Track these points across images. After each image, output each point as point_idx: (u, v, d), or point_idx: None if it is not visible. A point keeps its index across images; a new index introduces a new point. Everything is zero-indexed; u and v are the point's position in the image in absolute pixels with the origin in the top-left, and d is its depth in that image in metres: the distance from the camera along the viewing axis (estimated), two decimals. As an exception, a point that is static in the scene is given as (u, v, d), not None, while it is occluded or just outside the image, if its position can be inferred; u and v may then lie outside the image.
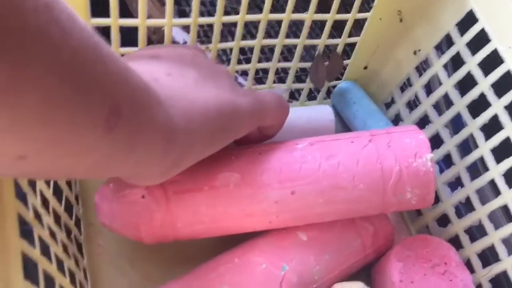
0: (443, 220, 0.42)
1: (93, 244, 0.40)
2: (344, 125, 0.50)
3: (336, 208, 0.36)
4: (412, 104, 0.47)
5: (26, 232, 0.23)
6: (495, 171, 0.38)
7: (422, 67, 0.46)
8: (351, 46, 0.48)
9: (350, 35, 0.46)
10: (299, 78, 0.52)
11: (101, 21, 0.37)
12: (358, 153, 0.36)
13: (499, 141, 0.38)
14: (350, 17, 0.44)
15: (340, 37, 0.46)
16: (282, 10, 0.42)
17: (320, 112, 0.46)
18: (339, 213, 0.37)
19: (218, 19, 0.40)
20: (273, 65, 0.46)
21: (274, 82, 0.47)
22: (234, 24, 0.41)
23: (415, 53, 0.45)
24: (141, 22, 0.37)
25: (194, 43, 0.41)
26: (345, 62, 0.49)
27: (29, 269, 0.22)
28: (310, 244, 0.37)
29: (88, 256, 0.38)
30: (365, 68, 0.50)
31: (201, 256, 0.38)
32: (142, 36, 0.38)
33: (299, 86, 0.49)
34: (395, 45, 0.47)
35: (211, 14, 0.41)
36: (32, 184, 0.27)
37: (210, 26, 0.42)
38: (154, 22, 0.39)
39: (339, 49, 0.47)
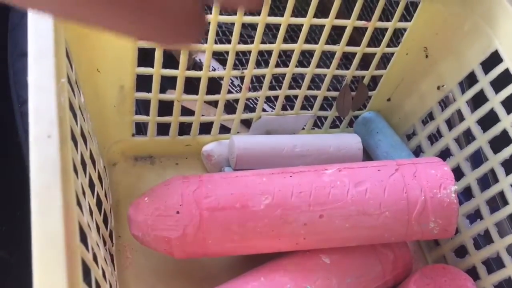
0: (461, 251, 0.44)
1: (121, 256, 0.41)
2: (366, 153, 0.51)
3: (361, 233, 0.38)
4: (433, 137, 0.49)
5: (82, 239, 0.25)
6: (515, 206, 0.39)
7: (443, 102, 0.48)
8: (377, 77, 0.50)
9: (376, 67, 0.48)
10: (322, 106, 0.54)
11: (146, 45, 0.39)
12: (385, 181, 0.38)
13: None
14: (378, 51, 0.46)
15: (367, 69, 0.48)
16: (312, 40, 0.44)
17: (349, 141, 0.47)
18: (363, 239, 0.38)
19: (255, 47, 0.42)
20: (302, 92, 0.48)
21: (300, 109, 0.49)
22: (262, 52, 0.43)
23: (438, 88, 0.47)
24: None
25: (230, 68, 0.43)
26: (370, 93, 0.50)
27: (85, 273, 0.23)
28: (333, 267, 0.39)
29: (117, 268, 0.40)
30: (389, 100, 0.51)
31: (228, 274, 0.39)
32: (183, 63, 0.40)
33: (324, 114, 0.51)
34: (419, 80, 0.49)
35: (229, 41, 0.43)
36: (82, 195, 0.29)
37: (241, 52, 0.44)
38: (195, 47, 0.41)
39: (366, 80, 0.49)
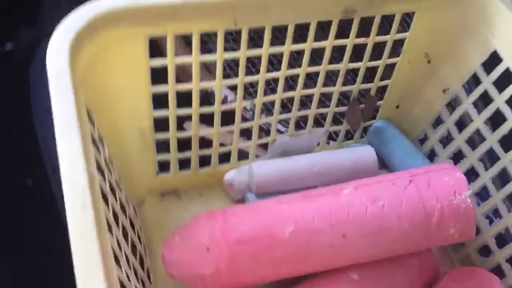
0: (485, 250, 0.45)
1: (159, 290, 0.43)
2: (381, 161, 0.53)
3: (385, 248, 0.39)
4: (445, 140, 0.50)
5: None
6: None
7: (452, 104, 0.49)
8: (384, 87, 0.51)
9: (382, 78, 0.49)
10: (336, 120, 0.56)
11: (159, 89, 0.41)
12: (401, 194, 0.39)
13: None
14: (381, 63, 0.47)
15: (373, 79, 0.49)
16: (318, 58, 0.46)
17: (364, 154, 0.49)
18: (387, 252, 0.40)
19: (262, 77, 0.44)
20: (312, 111, 0.49)
21: (312, 126, 0.51)
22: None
23: (444, 91, 0.48)
24: (195, 86, 0.41)
25: (241, 99, 0.45)
26: (378, 102, 0.52)
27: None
28: (362, 283, 0.40)
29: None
30: (397, 107, 0.53)
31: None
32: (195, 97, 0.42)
33: (336, 128, 0.52)
34: (424, 85, 0.50)
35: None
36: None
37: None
38: (206, 85, 0.43)
39: (372, 91, 0.50)
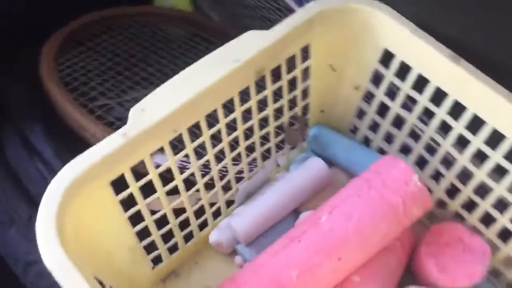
0: (441, 203, 0.53)
1: None
2: (328, 161, 0.59)
3: (373, 248, 0.46)
4: (374, 126, 0.57)
5: None
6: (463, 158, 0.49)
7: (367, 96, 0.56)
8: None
9: (303, 98, 0.54)
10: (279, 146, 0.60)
11: (132, 211, 0.44)
12: (368, 202, 0.46)
13: (456, 135, 0.49)
14: (298, 92, 0.53)
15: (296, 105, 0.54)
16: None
17: (315, 168, 0.55)
18: (376, 249, 0.47)
19: (211, 156, 0.48)
20: (258, 152, 0.54)
21: (263, 161, 0.56)
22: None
23: (356, 88, 0.55)
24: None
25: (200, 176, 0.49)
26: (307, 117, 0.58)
27: None
28: (365, 282, 0.47)
29: None
30: (322, 111, 0.59)
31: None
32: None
33: (281, 152, 0.58)
34: (338, 88, 0.56)
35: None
36: None
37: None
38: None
39: (299, 113, 0.55)
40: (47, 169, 0.56)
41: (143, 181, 0.43)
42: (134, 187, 0.42)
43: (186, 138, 0.44)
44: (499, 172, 0.47)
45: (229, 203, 0.55)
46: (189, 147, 0.45)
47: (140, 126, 0.39)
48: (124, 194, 0.42)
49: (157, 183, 0.44)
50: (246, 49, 0.43)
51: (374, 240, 0.46)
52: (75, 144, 0.54)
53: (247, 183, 0.55)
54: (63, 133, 0.58)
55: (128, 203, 0.43)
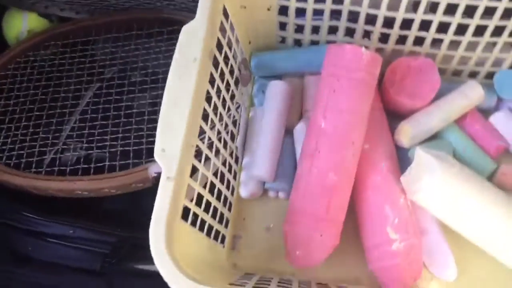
0: (378, 50, 0.63)
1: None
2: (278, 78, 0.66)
3: (366, 121, 0.56)
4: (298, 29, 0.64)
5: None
6: None
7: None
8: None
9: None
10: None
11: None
12: (345, 91, 0.54)
13: None
14: (233, 39, 0.58)
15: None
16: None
17: (279, 89, 0.62)
18: (368, 119, 0.57)
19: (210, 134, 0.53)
20: (233, 108, 0.60)
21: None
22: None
23: (269, 9, 0.61)
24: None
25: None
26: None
27: None
28: (372, 145, 0.58)
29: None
30: (250, 43, 0.65)
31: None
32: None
33: (242, 94, 0.64)
34: (254, 18, 0.61)
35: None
36: None
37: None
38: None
39: (240, 56, 0.61)
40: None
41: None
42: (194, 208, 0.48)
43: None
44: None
45: (236, 160, 0.62)
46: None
47: (173, 163, 0.44)
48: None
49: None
50: (195, 46, 0.47)
51: (365, 114, 0.55)
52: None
53: (239, 138, 0.62)
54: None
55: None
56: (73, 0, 0.74)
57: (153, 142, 0.62)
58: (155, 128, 0.66)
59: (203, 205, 0.51)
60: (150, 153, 0.61)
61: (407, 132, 0.59)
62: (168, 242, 0.41)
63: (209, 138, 0.51)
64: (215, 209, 0.55)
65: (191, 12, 0.70)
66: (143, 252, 0.57)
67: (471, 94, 0.62)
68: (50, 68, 0.72)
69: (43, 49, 0.74)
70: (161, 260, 0.40)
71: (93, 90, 0.71)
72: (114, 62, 0.72)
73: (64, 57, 0.73)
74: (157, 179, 0.58)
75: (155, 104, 0.66)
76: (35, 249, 0.58)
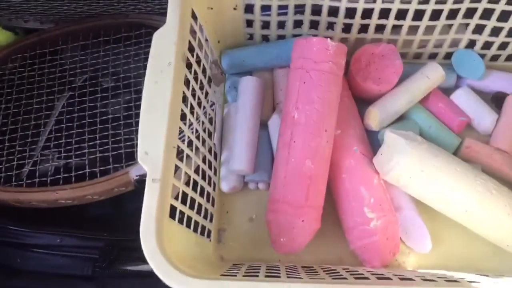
0: (343, 40, 0.66)
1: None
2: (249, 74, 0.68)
3: (336, 108, 0.59)
4: (264, 25, 0.66)
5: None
6: None
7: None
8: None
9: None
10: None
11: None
12: (315, 82, 0.57)
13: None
14: (203, 40, 0.59)
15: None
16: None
17: (251, 84, 0.64)
18: (337, 106, 0.60)
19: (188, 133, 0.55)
20: (207, 106, 0.62)
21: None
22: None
23: (235, 8, 0.62)
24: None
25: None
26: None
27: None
28: (343, 130, 0.61)
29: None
30: (219, 42, 0.66)
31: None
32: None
33: (215, 92, 0.66)
34: (221, 18, 0.63)
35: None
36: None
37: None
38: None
39: (212, 56, 0.63)
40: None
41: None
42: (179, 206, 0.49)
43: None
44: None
45: (215, 156, 0.64)
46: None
47: (157, 165, 0.45)
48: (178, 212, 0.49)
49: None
50: (168, 50, 0.48)
51: (335, 102, 0.58)
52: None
53: (216, 134, 0.64)
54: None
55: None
56: (37, 11, 0.74)
57: (131, 146, 0.65)
58: (132, 132, 0.67)
59: (188, 203, 0.53)
60: (129, 156, 0.63)
61: (375, 116, 0.62)
62: (159, 242, 0.43)
63: (188, 137, 0.53)
64: (200, 205, 0.57)
65: (158, 14, 0.71)
66: (133, 254, 0.59)
67: (433, 74, 0.65)
68: (20, 81, 0.72)
69: (11, 62, 0.74)
70: (155, 259, 0.42)
71: (65, 99, 0.71)
72: (84, 70, 0.73)
73: (33, 68, 0.73)
74: (138, 181, 0.59)
75: (130, 108, 0.67)
76: (24, 261, 0.59)
